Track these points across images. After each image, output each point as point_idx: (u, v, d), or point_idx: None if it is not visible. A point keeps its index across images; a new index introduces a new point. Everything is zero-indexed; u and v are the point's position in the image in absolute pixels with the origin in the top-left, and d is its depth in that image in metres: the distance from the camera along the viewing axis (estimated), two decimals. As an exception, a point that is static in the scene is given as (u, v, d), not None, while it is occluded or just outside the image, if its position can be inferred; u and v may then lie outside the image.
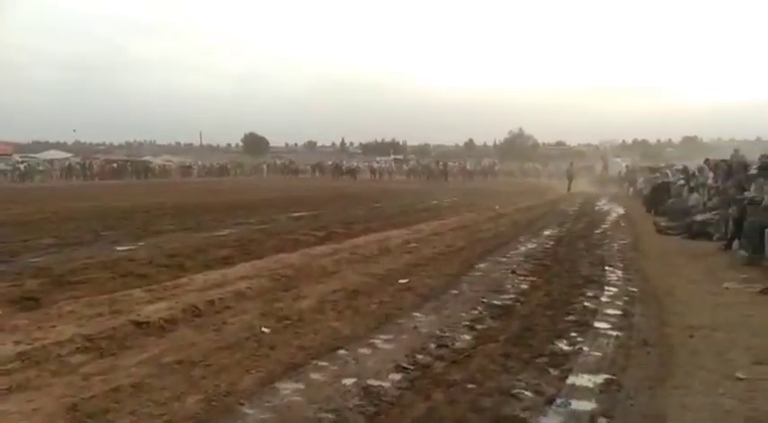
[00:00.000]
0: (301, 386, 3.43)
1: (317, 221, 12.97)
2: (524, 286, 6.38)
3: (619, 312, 5.19)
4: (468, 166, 52.39)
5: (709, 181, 12.66)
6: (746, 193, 8.95)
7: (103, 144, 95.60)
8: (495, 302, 5.53)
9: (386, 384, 3.46)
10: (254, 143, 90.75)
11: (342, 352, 4.01)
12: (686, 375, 3.51)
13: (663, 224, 11.84)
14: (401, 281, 6.55)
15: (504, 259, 8.28)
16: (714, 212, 10.65)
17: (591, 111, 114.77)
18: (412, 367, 3.73)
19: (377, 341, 4.24)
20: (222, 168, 58.59)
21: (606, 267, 7.64)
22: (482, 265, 7.74)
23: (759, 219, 7.34)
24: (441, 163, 51.86)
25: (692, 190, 13.33)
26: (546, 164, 64.39)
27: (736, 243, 8.80)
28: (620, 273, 7.30)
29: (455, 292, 6.11)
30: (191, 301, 5.08)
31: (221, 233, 10.45)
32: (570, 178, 32.38)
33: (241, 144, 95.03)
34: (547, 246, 9.78)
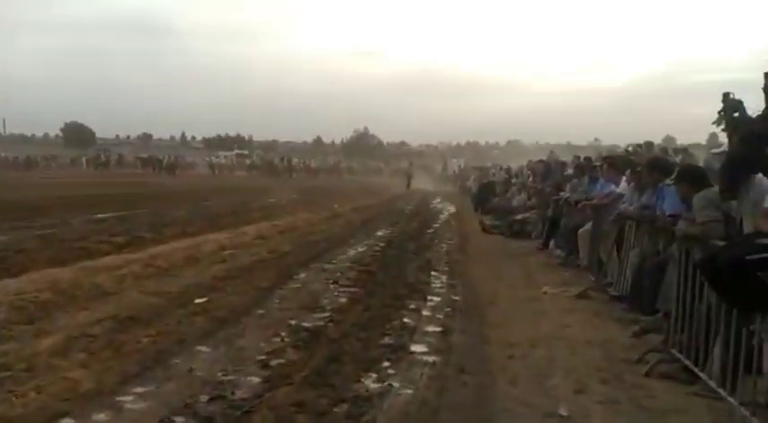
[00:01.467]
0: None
1: (122, 225, 11.15)
2: (343, 300, 5.65)
3: (438, 329, 4.67)
4: (312, 164, 51.54)
5: (530, 181, 13.28)
6: (562, 194, 9.26)
7: None
8: (305, 325, 4.70)
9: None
10: (77, 134, 79.78)
11: (64, 423, 2.84)
12: (506, 416, 2.97)
13: (487, 223, 12.09)
14: (198, 300, 5.42)
15: (329, 266, 7.53)
16: (533, 212, 11.05)
17: (432, 112, 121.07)
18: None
19: (126, 399, 3.13)
20: (29, 161, 50.78)
21: (432, 272, 7.26)
22: (303, 275, 6.89)
23: (573, 219, 7.48)
24: (285, 159, 50.55)
25: (518, 189, 13.90)
26: (389, 163, 66.46)
27: (552, 242, 9.06)
28: (444, 278, 6.95)
29: (261, 312, 5.16)
30: None
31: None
32: (409, 177, 33.46)
33: (60, 135, 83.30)
34: (377, 248, 9.27)
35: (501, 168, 19.17)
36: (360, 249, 9.16)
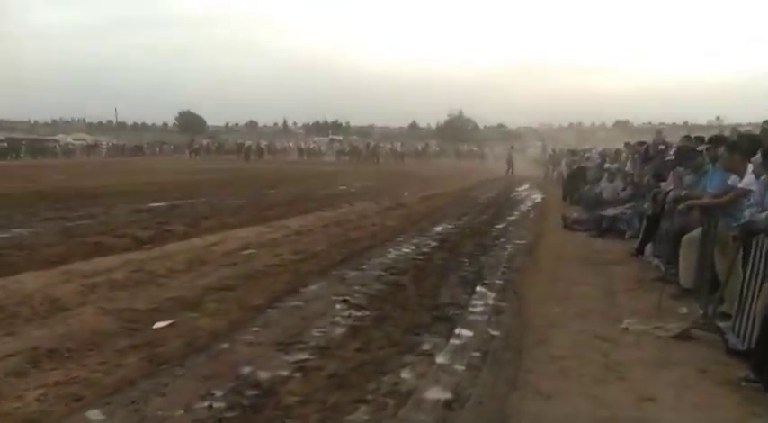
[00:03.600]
0: None
1: (164, 215, 10.52)
2: (339, 331, 4.27)
3: (445, 396, 3.15)
4: (398, 149, 50.27)
5: (627, 167, 11.05)
6: (662, 185, 7.22)
7: (27, 122, 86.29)
8: (260, 377, 3.38)
9: None
10: (189, 122, 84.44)
11: None
12: None
13: (570, 218, 10.12)
14: (159, 325, 4.30)
15: (353, 274, 6.18)
16: (627, 206, 8.97)
17: (531, 93, 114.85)
18: None
19: None
20: (136, 148, 54.05)
21: (478, 288, 5.67)
22: (314, 287, 5.60)
23: (677, 221, 5.49)
24: (371, 144, 49.71)
25: (611, 177, 11.64)
26: (482, 146, 63.57)
27: (649, 248, 7.07)
28: (491, 297, 5.33)
29: (224, 346, 3.92)
30: None
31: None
32: (510, 162, 30.73)
33: (176, 123, 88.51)
34: (425, 250, 7.77)
35: (595, 151, 16.68)
36: (404, 250, 7.70)
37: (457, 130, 78.11)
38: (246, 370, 3.48)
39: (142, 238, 8.05)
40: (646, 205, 7.51)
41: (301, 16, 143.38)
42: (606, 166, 11.83)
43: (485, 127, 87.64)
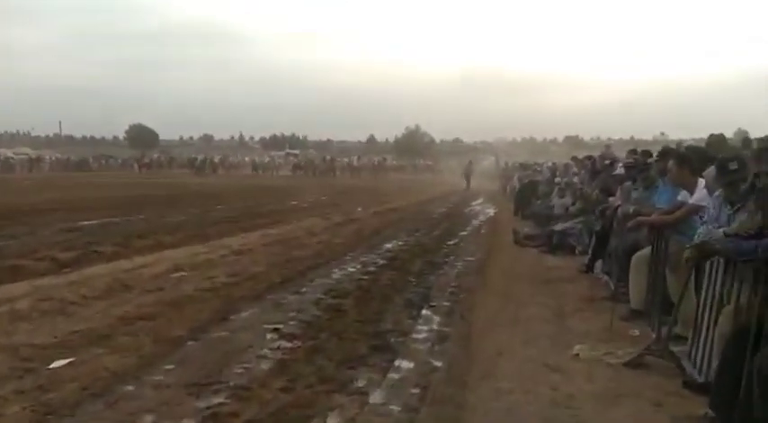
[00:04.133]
0: None
1: (95, 234, 9.77)
2: (264, 367, 3.81)
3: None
4: (354, 163, 49.97)
5: (575, 180, 11.00)
6: (611, 200, 7.09)
7: None
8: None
9: None
10: (140, 136, 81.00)
11: None
12: None
13: (521, 233, 9.95)
14: (56, 364, 3.75)
15: (290, 299, 5.72)
16: (577, 220, 8.84)
17: (486, 108, 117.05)
18: None
19: None
20: (82, 162, 51.78)
21: (424, 311, 5.31)
22: (245, 314, 5.12)
23: (626, 239, 5.29)
24: (328, 158, 49.25)
25: (561, 193, 11.57)
26: (438, 161, 63.94)
27: (599, 264, 6.90)
28: (437, 322, 4.98)
29: (126, 390, 3.40)
30: None
31: None
32: (468, 176, 30.47)
33: (126, 137, 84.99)
34: (371, 269, 7.38)
35: (546, 165, 16.76)
36: (349, 270, 7.30)
37: (414, 145, 78.60)
38: (147, 420, 2.98)
39: (63, 261, 7.36)
40: (594, 220, 7.36)
41: (260, 30, 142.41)
42: (556, 180, 11.78)
43: (441, 141, 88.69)
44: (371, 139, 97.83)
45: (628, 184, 6.04)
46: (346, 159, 53.58)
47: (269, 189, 26.08)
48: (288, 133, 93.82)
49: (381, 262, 7.90)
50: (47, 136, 79.36)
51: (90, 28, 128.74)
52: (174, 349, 4.15)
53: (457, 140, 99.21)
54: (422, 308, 5.41)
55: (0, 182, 27.16)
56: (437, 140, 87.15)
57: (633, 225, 4.76)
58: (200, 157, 49.18)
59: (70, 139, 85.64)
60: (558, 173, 12.80)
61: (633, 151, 8.55)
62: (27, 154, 51.18)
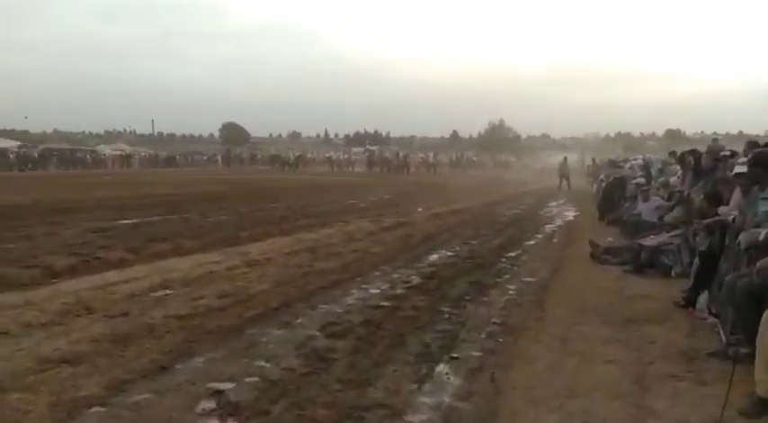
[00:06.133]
0: None
1: (119, 236, 9.07)
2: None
3: None
4: (430, 158, 48.34)
5: (673, 180, 8.91)
6: (722, 210, 5.19)
7: (82, 133, 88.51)
8: None
9: None
10: (232, 133, 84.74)
11: None
12: None
13: (600, 247, 8.05)
14: None
15: (275, 334, 4.44)
16: (674, 233, 6.89)
17: (576, 102, 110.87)
18: None
19: None
20: (169, 158, 54.01)
21: (440, 366, 3.81)
22: (198, 361, 3.87)
23: (757, 280, 3.42)
24: (401, 154, 47.92)
25: (646, 194, 9.44)
26: (521, 156, 60.76)
27: (703, 298, 5.04)
28: (451, 390, 3.46)
29: None
30: None
31: None
32: (565, 175, 25.30)
33: (217, 134, 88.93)
34: (399, 291, 5.95)
35: (635, 161, 14.37)
36: (371, 291, 5.90)
37: (497, 140, 75.73)
38: None
39: (56, 270, 6.56)
40: (698, 238, 5.47)
41: (345, 28, 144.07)
42: (637, 180, 9.65)
43: (527, 137, 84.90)
44: (455, 135, 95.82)
45: (753, 186, 4.15)
46: (422, 155, 52.04)
47: (335, 186, 25.22)
48: (371, 130, 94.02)
49: (416, 281, 6.43)
50: (150, 134, 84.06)
51: (189, 28, 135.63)
52: (65, 421, 2.96)
53: (544, 136, 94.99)
54: (439, 361, 3.90)
55: (79, 176, 28.31)
56: (523, 136, 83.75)
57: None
58: (283, 153, 49.64)
59: (171, 136, 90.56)
60: (651, 170, 10.64)
61: (754, 144, 6.50)
62: (123, 150, 54.21)
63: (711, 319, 4.70)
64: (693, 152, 8.07)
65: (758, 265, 3.16)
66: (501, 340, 4.39)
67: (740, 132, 61.99)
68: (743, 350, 3.54)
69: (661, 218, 7.65)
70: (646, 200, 8.43)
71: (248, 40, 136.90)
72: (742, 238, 3.58)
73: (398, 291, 5.96)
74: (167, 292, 5.61)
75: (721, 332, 4.17)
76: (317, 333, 4.46)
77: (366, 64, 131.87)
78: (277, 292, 5.77)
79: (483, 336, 4.50)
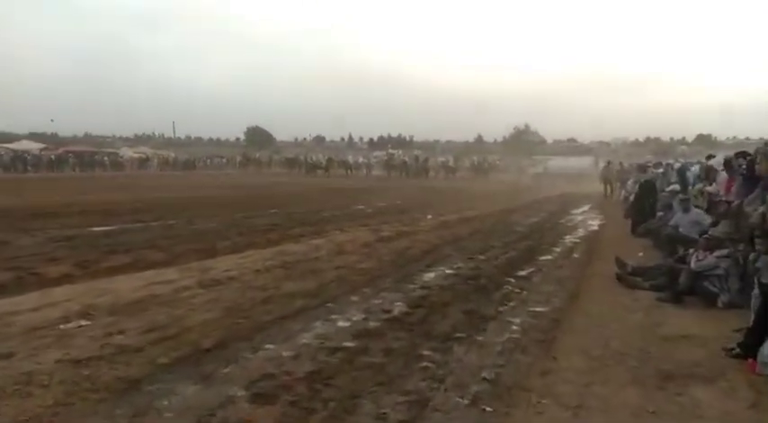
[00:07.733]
0: None
1: (81, 245, 8.16)
2: None
3: None
4: (450, 162, 46.96)
5: (710, 188, 7.55)
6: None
7: (112, 136, 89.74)
8: None
9: None
10: (258, 137, 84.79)
11: None
12: None
13: (628, 266, 6.74)
14: None
15: (187, 393, 3.31)
16: (720, 254, 5.56)
17: (603, 107, 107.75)
18: None
19: None
20: (188, 162, 53.70)
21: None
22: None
23: None
24: (421, 158, 46.59)
25: (685, 205, 8.06)
26: (545, 161, 58.88)
27: (767, 345, 3.75)
28: None
29: None
30: None
31: None
32: (609, 181, 23.03)
33: (242, 138, 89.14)
34: (372, 324, 4.76)
35: (670, 165, 12.89)
36: (339, 325, 4.73)
37: (522, 144, 74.02)
38: None
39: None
40: (759, 263, 4.17)
41: (370, 33, 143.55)
42: (672, 187, 8.29)
43: (554, 141, 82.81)
44: (479, 139, 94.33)
45: None
46: (442, 159, 50.63)
47: (346, 191, 24.11)
48: (394, 134, 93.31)
49: (398, 309, 5.25)
50: (178, 138, 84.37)
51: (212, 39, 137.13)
52: None
53: (571, 140, 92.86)
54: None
55: (86, 179, 27.77)
56: (549, 141, 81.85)
57: None
58: (305, 157, 48.89)
59: (198, 140, 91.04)
60: (687, 176, 9.26)
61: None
62: (144, 153, 54.14)
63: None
64: (745, 155, 6.70)
65: None
66: (488, 410, 3.18)
67: (776, 136, 59.04)
68: None
69: (703, 233, 6.30)
70: (686, 210, 7.09)
71: (274, 48, 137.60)
72: None
73: (372, 324, 4.78)
74: (82, 323, 4.53)
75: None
76: (241, 393, 3.32)
77: (390, 68, 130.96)
78: (220, 324, 4.65)
79: (465, 401, 3.29)
